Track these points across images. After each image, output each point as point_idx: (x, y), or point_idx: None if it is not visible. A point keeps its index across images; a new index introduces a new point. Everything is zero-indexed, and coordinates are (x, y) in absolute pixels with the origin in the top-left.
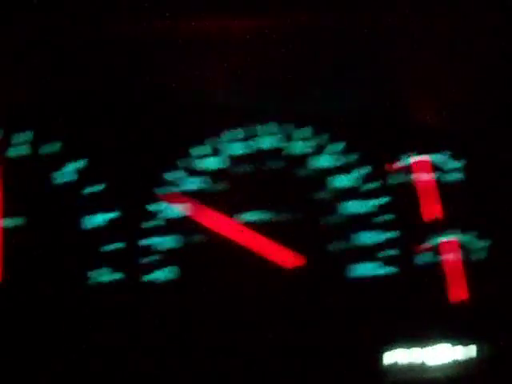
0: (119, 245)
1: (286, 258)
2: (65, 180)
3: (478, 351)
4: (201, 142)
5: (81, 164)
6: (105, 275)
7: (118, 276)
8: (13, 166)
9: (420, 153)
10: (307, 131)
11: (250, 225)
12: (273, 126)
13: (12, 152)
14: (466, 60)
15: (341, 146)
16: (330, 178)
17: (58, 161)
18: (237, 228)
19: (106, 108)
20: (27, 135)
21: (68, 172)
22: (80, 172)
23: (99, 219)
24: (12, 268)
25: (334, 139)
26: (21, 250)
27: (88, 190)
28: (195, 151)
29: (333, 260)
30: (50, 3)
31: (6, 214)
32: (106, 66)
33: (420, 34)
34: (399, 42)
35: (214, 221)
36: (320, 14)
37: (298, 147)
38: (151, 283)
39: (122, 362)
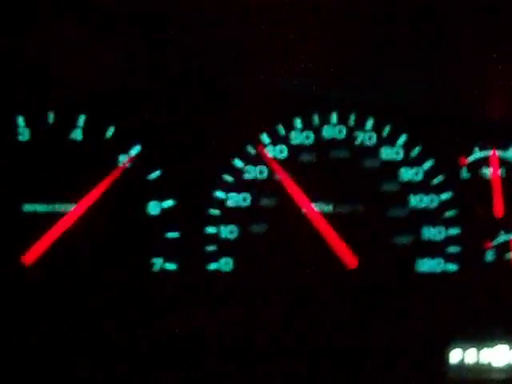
0: (179, 233)
1: (348, 253)
2: (126, 165)
3: None
4: (267, 130)
5: (139, 149)
6: (163, 263)
7: (175, 264)
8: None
9: (486, 147)
10: (370, 122)
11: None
12: (335, 116)
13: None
14: None
15: (404, 138)
16: (394, 171)
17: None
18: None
19: (169, 91)
20: (80, 119)
21: (127, 157)
22: (139, 157)
23: (161, 205)
24: (75, 256)
25: (397, 131)
26: (80, 236)
27: (150, 175)
28: (261, 139)
29: (398, 254)
30: None
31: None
32: (168, 53)
33: (492, 29)
34: (471, 36)
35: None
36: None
37: (362, 138)
38: (208, 274)
39: (181, 350)
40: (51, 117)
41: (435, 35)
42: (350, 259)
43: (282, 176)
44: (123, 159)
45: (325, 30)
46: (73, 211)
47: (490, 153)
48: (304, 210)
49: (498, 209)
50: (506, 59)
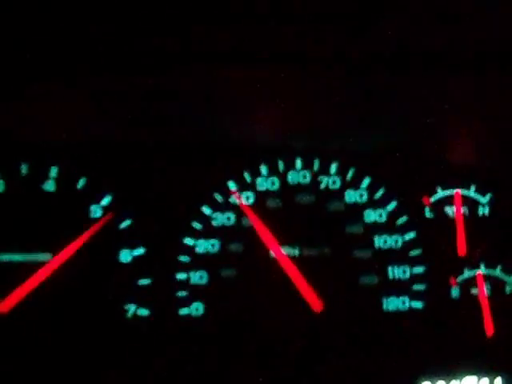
0: (150, 279)
1: (315, 297)
2: (96, 215)
3: None
4: (233, 177)
5: (110, 198)
6: (136, 309)
7: (148, 310)
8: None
9: (448, 187)
10: (334, 167)
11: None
12: (299, 162)
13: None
14: (494, 97)
15: (368, 180)
16: (358, 213)
17: (86, 196)
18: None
19: (138, 142)
20: (53, 171)
21: (99, 207)
22: (110, 206)
23: (132, 253)
24: (49, 305)
25: (360, 174)
26: (53, 285)
27: (121, 225)
28: (228, 186)
29: (365, 294)
30: None
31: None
32: (136, 107)
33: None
34: (432, 87)
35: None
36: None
37: (326, 182)
38: (180, 319)
39: None
40: (24, 168)
41: (395, 88)
42: (315, 303)
43: (252, 220)
44: (95, 209)
45: (288, 89)
46: (48, 261)
47: (453, 192)
48: (273, 255)
49: (462, 246)
50: (466, 107)
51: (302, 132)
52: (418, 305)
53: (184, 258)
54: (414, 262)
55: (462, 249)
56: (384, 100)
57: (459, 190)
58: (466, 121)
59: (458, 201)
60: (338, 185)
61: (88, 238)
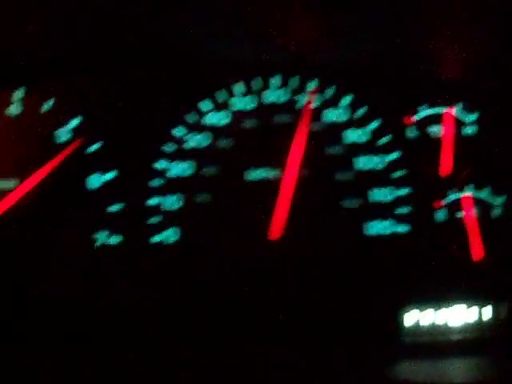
0: (121, 206)
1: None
2: (64, 139)
3: (502, 312)
4: (207, 97)
5: (78, 121)
6: (106, 237)
7: (119, 238)
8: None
9: (433, 105)
10: (315, 83)
11: (257, 183)
12: (279, 79)
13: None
14: (482, 10)
15: (350, 98)
16: (341, 133)
17: (54, 119)
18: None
19: (107, 61)
20: (20, 92)
21: (66, 130)
22: (78, 130)
23: (101, 179)
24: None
25: (343, 91)
26: (19, 212)
27: (89, 148)
28: (201, 106)
29: (347, 218)
30: None
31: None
32: (107, 15)
33: None
34: None
35: None
36: None
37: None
38: (154, 245)
39: (125, 323)
40: None
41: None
42: (276, 229)
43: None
44: (63, 132)
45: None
46: (15, 188)
47: (441, 111)
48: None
49: (447, 167)
50: (453, 19)
51: (278, 46)
52: (402, 228)
53: (156, 183)
54: (397, 183)
55: (447, 170)
56: (371, 13)
57: (449, 109)
58: (452, 32)
59: (447, 120)
60: (317, 103)
61: (56, 163)
